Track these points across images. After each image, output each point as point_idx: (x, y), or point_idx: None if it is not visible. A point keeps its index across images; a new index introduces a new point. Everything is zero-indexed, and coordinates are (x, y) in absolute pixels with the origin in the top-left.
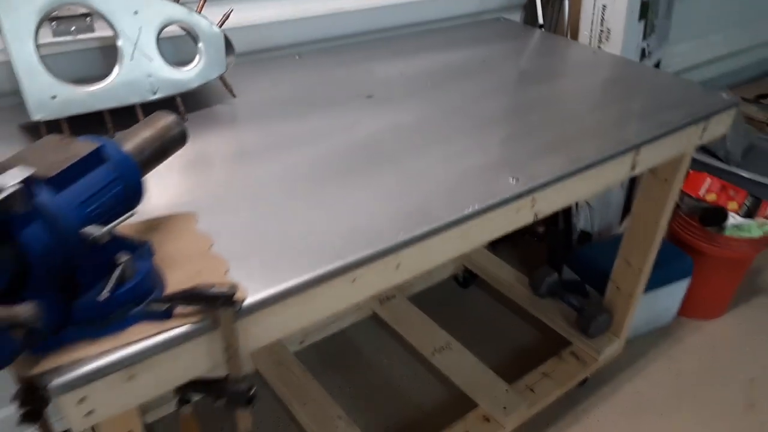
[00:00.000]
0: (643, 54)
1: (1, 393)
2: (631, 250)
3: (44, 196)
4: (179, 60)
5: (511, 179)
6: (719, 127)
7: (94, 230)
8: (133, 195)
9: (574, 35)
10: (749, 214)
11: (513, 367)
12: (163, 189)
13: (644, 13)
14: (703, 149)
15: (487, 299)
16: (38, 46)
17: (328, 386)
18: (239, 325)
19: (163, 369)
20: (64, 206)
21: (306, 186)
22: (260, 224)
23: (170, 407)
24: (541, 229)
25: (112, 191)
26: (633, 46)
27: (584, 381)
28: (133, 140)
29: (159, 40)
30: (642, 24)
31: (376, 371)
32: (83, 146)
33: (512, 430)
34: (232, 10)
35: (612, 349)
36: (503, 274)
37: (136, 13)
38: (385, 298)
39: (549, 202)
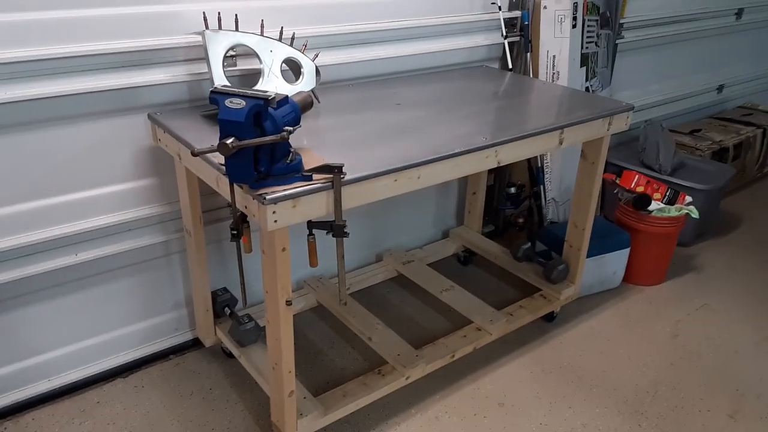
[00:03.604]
0: (587, 91)
1: (163, 304)
2: (576, 216)
3: (271, 109)
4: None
5: (483, 138)
6: (621, 123)
7: (287, 128)
8: (298, 119)
9: (536, 76)
10: (670, 202)
11: (498, 306)
12: (297, 141)
13: (584, 61)
14: (642, 164)
15: (483, 273)
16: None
17: None
18: (342, 190)
19: (306, 205)
20: (278, 115)
21: (368, 141)
22: (345, 155)
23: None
24: (521, 221)
25: (291, 115)
26: (577, 84)
27: (552, 318)
28: (297, 98)
29: (282, 69)
30: (584, 69)
31: (398, 309)
32: (282, 94)
33: (496, 338)
34: (319, 52)
35: (569, 291)
36: (493, 249)
37: (271, 51)
38: (407, 261)
39: (506, 155)
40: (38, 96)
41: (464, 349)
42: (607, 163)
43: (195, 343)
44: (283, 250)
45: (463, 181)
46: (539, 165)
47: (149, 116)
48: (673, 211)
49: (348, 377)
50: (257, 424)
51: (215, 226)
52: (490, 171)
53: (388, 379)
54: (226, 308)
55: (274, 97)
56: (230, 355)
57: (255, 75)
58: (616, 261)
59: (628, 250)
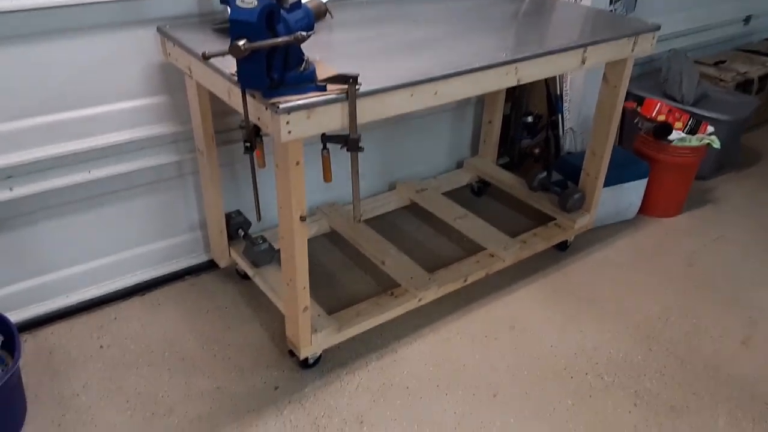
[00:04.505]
0: None
1: (177, 225)
2: (595, 143)
3: (284, 13)
4: None
5: (503, 54)
6: (646, 44)
7: (300, 33)
8: (311, 25)
9: None
10: (692, 131)
11: (512, 235)
12: (309, 54)
13: None
14: (664, 94)
15: (496, 203)
16: None
17: None
18: (357, 103)
19: (320, 116)
20: (291, 19)
21: (383, 55)
22: (360, 69)
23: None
24: (537, 151)
25: (304, 20)
26: (602, 6)
27: (566, 247)
28: (310, 4)
29: None
30: None
31: (411, 237)
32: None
33: (509, 265)
34: None
35: (584, 220)
36: (507, 179)
37: None
38: (420, 189)
39: (527, 72)
40: (46, 5)
41: (477, 274)
42: (627, 93)
43: (210, 265)
44: (297, 164)
45: (479, 110)
46: (558, 93)
47: (158, 29)
48: (694, 141)
49: (361, 300)
50: (272, 341)
51: (228, 148)
52: (507, 99)
53: (401, 300)
54: (240, 230)
55: None
56: (245, 277)
57: None
58: (633, 191)
59: (646, 180)
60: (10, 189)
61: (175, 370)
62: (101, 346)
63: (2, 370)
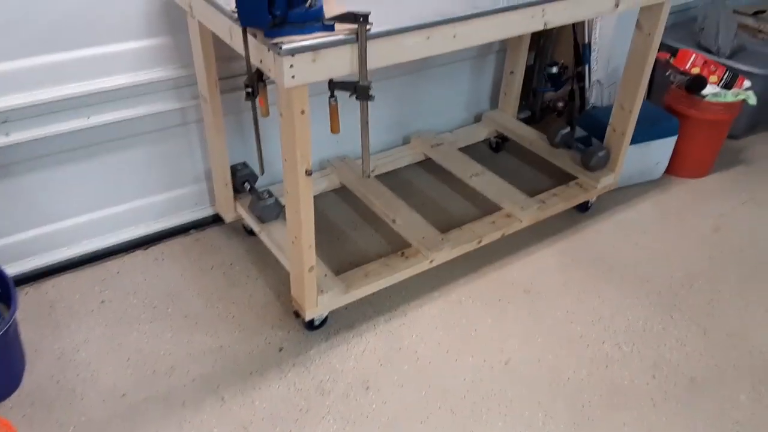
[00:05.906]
0: None
1: (182, 177)
2: (624, 96)
3: None
4: None
5: None
6: None
7: None
8: None
9: None
10: (727, 86)
11: (530, 194)
12: None
13: None
14: (699, 46)
15: (515, 160)
16: None
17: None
18: (368, 46)
19: (327, 61)
20: None
21: None
22: (371, 8)
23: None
24: (560, 105)
25: None
26: None
27: (587, 208)
28: None
29: None
30: None
31: (425, 194)
32: None
33: (526, 226)
34: None
35: (608, 180)
36: (528, 134)
37: None
38: (436, 144)
39: (555, 15)
40: None
41: (492, 236)
42: (660, 45)
43: (215, 219)
44: (303, 112)
45: (501, 60)
46: (586, 41)
47: None
48: (730, 96)
49: (370, 259)
50: (278, 300)
51: (233, 96)
52: (531, 48)
53: (412, 262)
54: (246, 183)
55: None
56: (251, 233)
57: None
58: (661, 150)
59: (675, 138)
60: (7, 134)
61: (178, 328)
62: (103, 301)
63: None
